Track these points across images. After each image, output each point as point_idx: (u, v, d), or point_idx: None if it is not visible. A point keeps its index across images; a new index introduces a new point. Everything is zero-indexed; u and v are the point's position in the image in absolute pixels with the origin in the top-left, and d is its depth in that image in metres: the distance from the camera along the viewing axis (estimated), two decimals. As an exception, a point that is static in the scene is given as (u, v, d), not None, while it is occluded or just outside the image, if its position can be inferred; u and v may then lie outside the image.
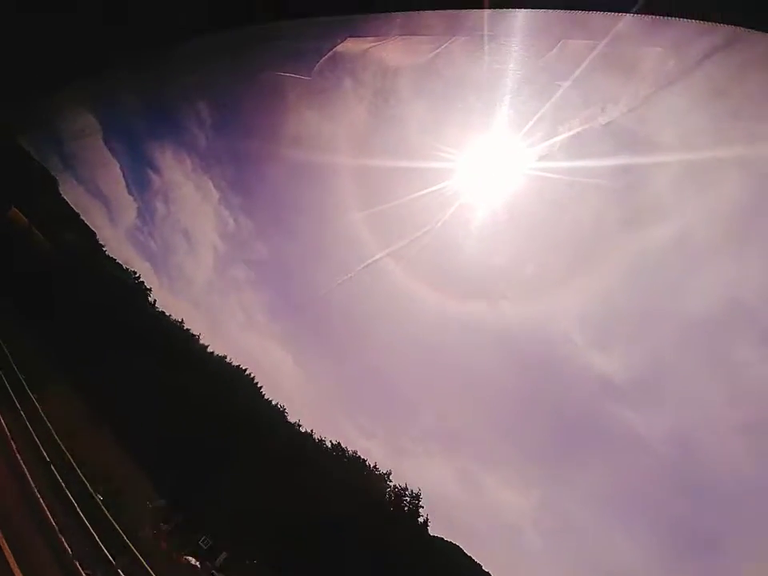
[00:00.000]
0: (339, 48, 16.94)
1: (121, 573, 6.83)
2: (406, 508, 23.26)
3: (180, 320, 31.50)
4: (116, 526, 7.58)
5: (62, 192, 32.01)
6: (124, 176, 39.72)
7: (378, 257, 35.69)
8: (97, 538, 7.08)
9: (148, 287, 32.22)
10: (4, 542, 7.40)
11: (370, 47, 17.10)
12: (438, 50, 16.15)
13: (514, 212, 27.05)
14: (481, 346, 47.26)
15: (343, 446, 25.76)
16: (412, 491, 23.92)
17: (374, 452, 32.87)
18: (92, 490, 8.14)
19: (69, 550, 6.95)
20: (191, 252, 48.17)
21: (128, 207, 41.26)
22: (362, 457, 25.62)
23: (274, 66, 17.75)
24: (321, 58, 16.22)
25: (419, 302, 42.58)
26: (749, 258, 28.70)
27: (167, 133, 39.26)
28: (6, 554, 7.26)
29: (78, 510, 7.64)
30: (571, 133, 16.40)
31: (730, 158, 12.69)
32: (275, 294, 52.11)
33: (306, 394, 39.31)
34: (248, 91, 25.77)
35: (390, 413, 41.46)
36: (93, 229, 32.47)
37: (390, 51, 17.36)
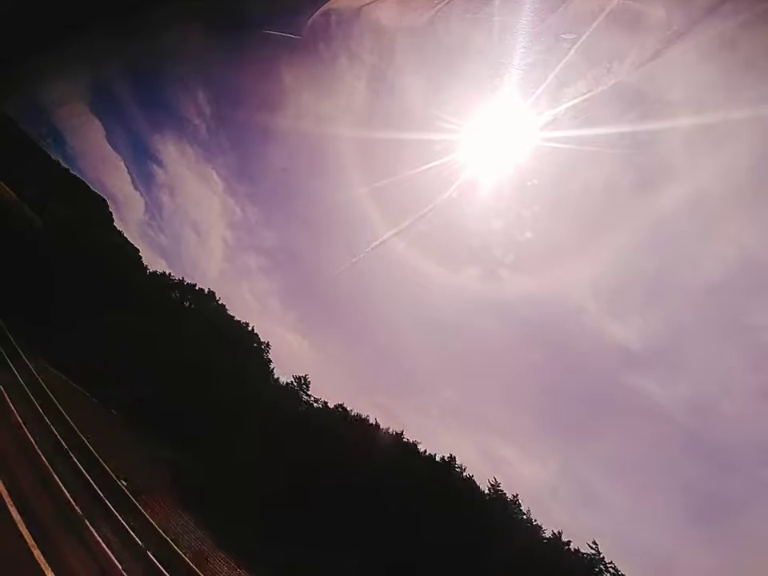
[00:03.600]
0: (332, 4, 17.03)
1: (119, 517, 7.46)
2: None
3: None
4: (107, 468, 8.24)
5: (50, 164, 32.60)
6: (109, 142, 40.23)
7: (385, 237, 36.09)
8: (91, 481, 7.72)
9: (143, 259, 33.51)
10: (4, 488, 8.08)
11: (366, 4, 17.18)
12: (439, 6, 16.24)
13: (524, 183, 27.16)
14: (494, 320, 48.15)
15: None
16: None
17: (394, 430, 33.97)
18: (87, 441, 8.78)
19: (68, 496, 7.59)
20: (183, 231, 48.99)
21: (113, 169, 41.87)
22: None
23: (263, 23, 17.90)
24: (312, 15, 16.34)
25: (429, 280, 43.25)
26: (766, 219, 28.69)
27: (154, 103, 39.66)
28: (6, 500, 7.94)
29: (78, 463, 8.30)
30: (581, 98, 16.50)
31: (744, 112, 12.80)
32: (285, 280, 53.16)
33: (322, 376, 40.30)
34: (236, 57, 25.95)
35: (406, 390, 42.92)
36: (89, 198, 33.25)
37: (387, 9, 17.40)
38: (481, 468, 36.09)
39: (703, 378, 35.03)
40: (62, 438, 8.87)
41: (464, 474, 25.53)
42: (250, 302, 47.16)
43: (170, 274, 33.18)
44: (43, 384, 10.90)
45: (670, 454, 34.02)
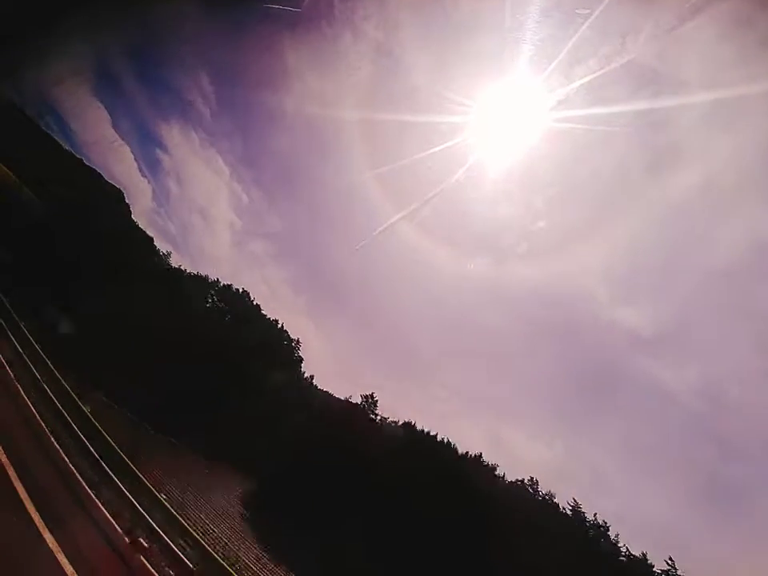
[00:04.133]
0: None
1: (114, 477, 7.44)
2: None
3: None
4: (103, 432, 8.23)
5: (48, 141, 32.27)
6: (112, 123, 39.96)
7: (392, 220, 35.99)
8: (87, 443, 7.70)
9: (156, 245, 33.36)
10: (4, 455, 8.07)
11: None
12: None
13: (534, 164, 26.99)
14: (503, 304, 48.11)
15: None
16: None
17: (402, 414, 34.41)
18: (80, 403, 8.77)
19: (65, 459, 7.57)
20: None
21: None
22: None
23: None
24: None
25: (437, 263, 43.27)
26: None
27: (158, 88, 39.49)
28: (5, 465, 7.93)
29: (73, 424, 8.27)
30: (593, 75, 16.21)
31: (760, 90, 12.57)
32: (292, 264, 53.40)
33: (332, 360, 40.28)
34: (240, 39, 25.69)
35: (414, 374, 43.23)
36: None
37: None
38: (490, 451, 36.38)
39: (714, 362, 35.03)
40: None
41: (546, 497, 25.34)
42: (258, 287, 47.19)
43: (206, 276, 32.82)
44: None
45: (680, 438, 34.10)
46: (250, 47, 27.16)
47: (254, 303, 32.44)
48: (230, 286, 32.45)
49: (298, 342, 31.86)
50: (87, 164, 35.30)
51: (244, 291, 32.58)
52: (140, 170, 42.00)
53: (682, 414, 35.23)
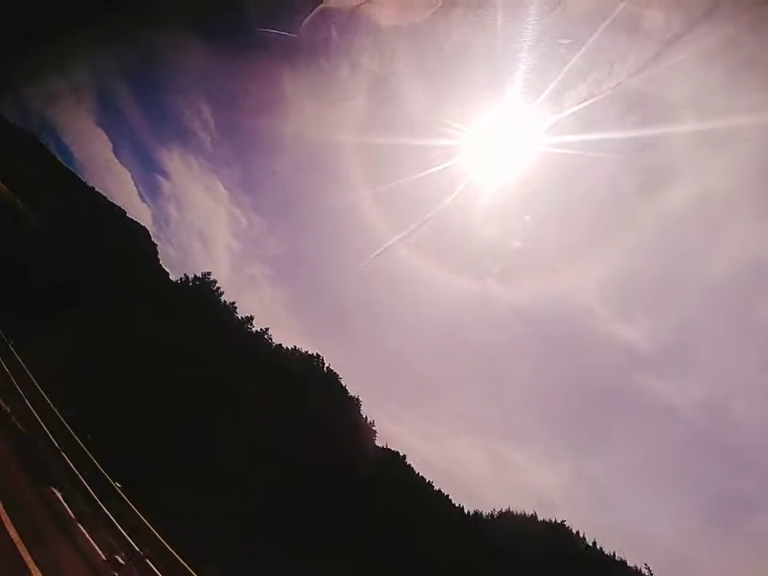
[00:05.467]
0: (330, 4, 17.17)
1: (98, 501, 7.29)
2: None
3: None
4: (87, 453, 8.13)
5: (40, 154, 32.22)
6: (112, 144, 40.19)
7: (389, 243, 36.16)
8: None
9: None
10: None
11: (364, 2, 17.20)
12: (438, 7, 16.34)
13: (528, 188, 27.29)
14: (502, 325, 48.12)
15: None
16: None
17: (403, 437, 33.98)
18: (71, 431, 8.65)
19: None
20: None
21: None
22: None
23: (264, 26, 17.95)
24: (308, 13, 16.45)
25: (436, 285, 43.39)
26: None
27: (156, 114, 40.02)
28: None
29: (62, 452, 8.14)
30: (584, 102, 16.62)
31: (748, 113, 12.93)
32: (291, 288, 53.36)
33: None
34: (238, 66, 26.17)
35: (414, 397, 42.85)
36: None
37: (386, 9, 17.51)
38: (491, 473, 36.01)
39: (715, 376, 34.95)
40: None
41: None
42: (257, 311, 46.72)
43: (297, 347, 31.52)
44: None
45: (683, 455, 33.79)
46: (250, 75, 27.69)
47: (329, 368, 30.94)
48: (316, 355, 31.03)
49: (358, 400, 30.72)
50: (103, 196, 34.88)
51: (329, 370, 30.71)
52: (140, 195, 42.32)
53: (685, 430, 35.04)
